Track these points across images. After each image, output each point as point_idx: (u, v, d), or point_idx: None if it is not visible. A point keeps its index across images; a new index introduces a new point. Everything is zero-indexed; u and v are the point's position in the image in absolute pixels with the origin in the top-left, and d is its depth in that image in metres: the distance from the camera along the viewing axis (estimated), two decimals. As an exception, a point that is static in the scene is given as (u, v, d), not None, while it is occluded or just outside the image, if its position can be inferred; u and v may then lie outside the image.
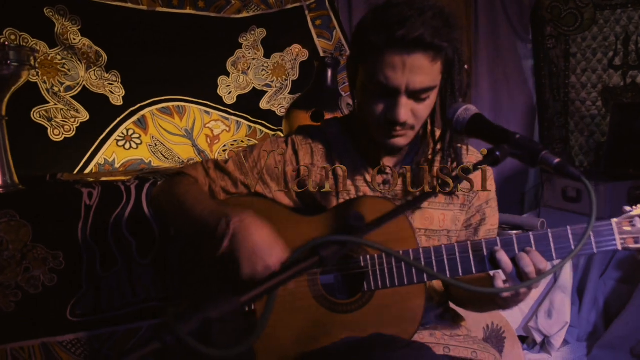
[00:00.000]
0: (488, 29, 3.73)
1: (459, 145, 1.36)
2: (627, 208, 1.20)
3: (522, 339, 2.61)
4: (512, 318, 2.51)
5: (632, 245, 1.19)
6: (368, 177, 1.38)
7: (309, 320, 1.26)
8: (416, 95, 1.21)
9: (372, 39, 1.17)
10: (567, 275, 2.56)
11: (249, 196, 1.39)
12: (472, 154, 1.44)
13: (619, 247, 1.19)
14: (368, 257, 1.26)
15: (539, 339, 2.54)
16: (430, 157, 1.38)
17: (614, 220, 1.19)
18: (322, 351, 1.22)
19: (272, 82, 3.03)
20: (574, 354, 2.56)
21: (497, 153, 0.97)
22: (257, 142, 2.85)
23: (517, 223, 2.67)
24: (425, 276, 1.24)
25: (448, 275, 1.22)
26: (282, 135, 2.84)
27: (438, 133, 1.38)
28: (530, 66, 3.87)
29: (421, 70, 1.18)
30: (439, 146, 1.36)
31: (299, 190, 1.38)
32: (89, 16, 2.52)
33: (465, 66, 1.26)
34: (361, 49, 1.22)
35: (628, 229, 1.19)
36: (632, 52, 3.46)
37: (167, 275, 1.86)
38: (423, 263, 1.22)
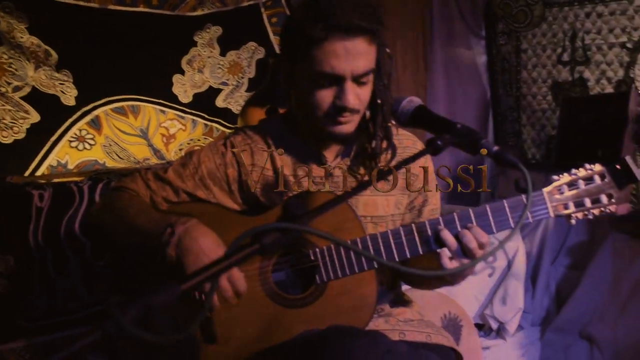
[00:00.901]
0: (443, 26, 3.80)
1: (389, 124, 1.38)
2: (555, 177, 1.26)
3: (479, 327, 2.68)
4: (468, 306, 2.58)
5: (563, 212, 1.25)
6: (310, 172, 1.39)
7: (264, 318, 1.27)
8: (359, 79, 1.24)
9: (310, 33, 1.19)
10: (520, 263, 2.64)
11: (193, 203, 1.39)
12: (407, 137, 1.47)
13: (551, 214, 1.25)
14: (317, 250, 1.28)
15: (494, 325, 2.62)
16: (367, 146, 1.39)
17: (545, 190, 1.25)
18: (280, 347, 1.24)
19: (229, 80, 3.02)
20: (528, 338, 2.65)
21: (439, 142, 1.00)
22: (213, 140, 2.84)
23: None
24: (374, 262, 1.27)
25: (397, 259, 1.25)
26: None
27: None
28: (483, 62, 3.96)
29: (362, 55, 1.22)
30: (370, 127, 1.37)
31: (242, 192, 1.39)
32: (37, 13, 2.46)
33: (387, 49, 1.30)
34: (298, 45, 1.23)
35: (557, 196, 1.25)
36: (579, 48, 3.58)
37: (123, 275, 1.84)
38: (371, 250, 1.24)
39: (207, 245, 1.15)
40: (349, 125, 1.30)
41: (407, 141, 1.45)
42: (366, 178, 1.38)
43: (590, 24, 3.51)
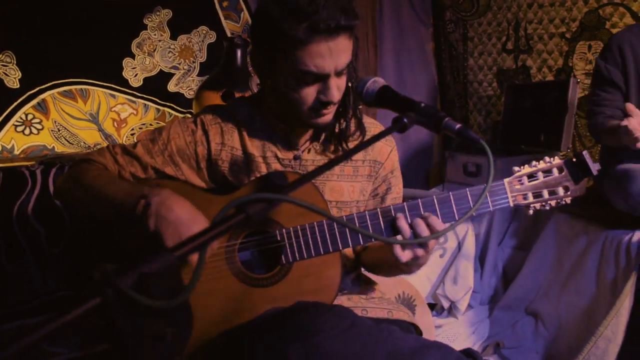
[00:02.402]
0: (392, 14, 3.86)
1: (360, 107, 1.42)
2: (516, 168, 1.33)
3: (431, 306, 2.78)
4: (421, 287, 2.66)
5: (522, 202, 1.32)
6: (279, 154, 1.41)
7: (230, 297, 1.28)
8: (340, 72, 1.26)
9: (292, 33, 1.18)
10: (470, 244, 2.74)
11: (160, 179, 1.38)
12: (373, 124, 1.50)
13: (511, 204, 1.32)
14: (284, 230, 1.30)
15: (446, 304, 2.72)
16: (338, 128, 1.42)
17: (506, 180, 1.32)
18: (247, 325, 1.25)
19: (180, 64, 2.97)
20: (478, 316, 2.76)
21: (405, 120, 1.04)
22: (165, 124, 2.79)
23: (422, 197, 2.82)
24: (340, 245, 1.29)
25: (361, 242, 1.29)
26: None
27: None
28: (431, 49, 4.05)
29: (344, 51, 1.24)
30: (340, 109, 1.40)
31: (211, 171, 1.39)
32: (-22, -7, 2.35)
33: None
34: (276, 42, 1.22)
35: (518, 187, 1.32)
36: (522, 37, 3.72)
37: (81, 262, 1.80)
38: (337, 232, 1.27)
39: (185, 215, 1.14)
40: (329, 115, 1.33)
41: (374, 128, 1.48)
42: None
43: (532, 14, 3.65)
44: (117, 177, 1.33)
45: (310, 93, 1.26)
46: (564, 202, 1.35)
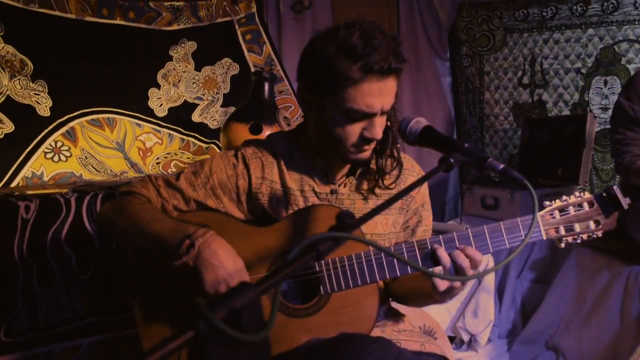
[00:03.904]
0: (409, 48, 3.93)
1: (397, 144, 1.46)
2: (547, 202, 1.36)
3: (451, 339, 2.76)
4: (441, 319, 2.65)
5: (554, 235, 1.35)
6: (316, 188, 1.44)
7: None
8: (385, 112, 1.31)
9: (346, 72, 1.23)
10: (490, 276, 2.74)
11: (202, 211, 1.41)
12: (406, 160, 1.53)
13: (544, 237, 1.34)
14: (322, 261, 1.32)
15: (466, 337, 2.70)
16: (375, 164, 1.46)
17: (539, 214, 1.34)
18: (288, 355, 1.26)
19: (204, 95, 3.03)
20: (497, 350, 2.74)
21: (451, 160, 1.07)
22: (190, 154, 2.84)
23: (443, 229, 2.84)
24: (377, 276, 1.31)
25: (398, 273, 1.31)
26: (216, 148, 2.85)
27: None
28: (448, 83, 4.12)
29: (391, 92, 1.29)
30: (377, 147, 1.43)
31: (250, 203, 1.42)
32: (13, 22, 2.43)
33: None
34: (329, 79, 1.26)
35: (550, 220, 1.35)
36: (537, 72, 3.78)
37: (110, 288, 1.82)
38: (375, 264, 1.29)
39: (225, 259, 1.17)
40: (369, 152, 1.37)
41: (407, 164, 1.52)
42: (370, 196, 1.44)
43: (548, 49, 3.71)
44: (161, 211, 1.36)
45: (355, 130, 1.30)
46: (595, 236, 1.37)
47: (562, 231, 1.35)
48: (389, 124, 1.38)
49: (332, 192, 1.44)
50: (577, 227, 1.35)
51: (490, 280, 2.73)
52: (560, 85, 3.72)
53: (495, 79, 3.96)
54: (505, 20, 3.83)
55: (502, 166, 1.09)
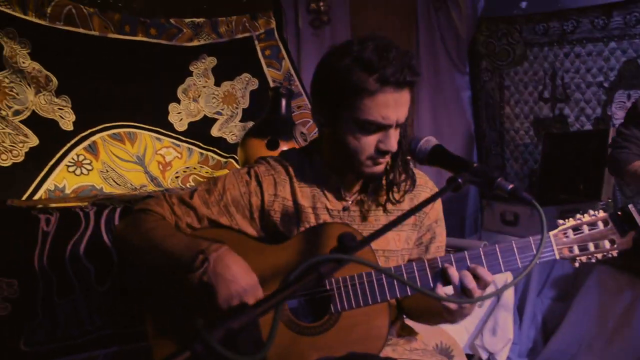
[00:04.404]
0: (429, 62, 3.94)
1: (408, 159, 1.46)
2: (560, 221, 1.34)
3: (469, 357, 2.72)
4: (459, 336, 2.62)
5: (567, 254, 1.33)
6: (328, 205, 1.44)
7: (279, 344, 1.29)
8: (399, 125, 1.32)
9: (362, 84, 1.24)
10: (509, 294, 2.70)
11: (216, 228, 1.42)
12: (419, 176, 1.53)
13: (557, 257, 1.32)
14: (333, 280, 1.32)
15: (484, 356, 2.66)
16: (384, 182, 1.45)
17: (551, 233, 1.33)
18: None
19: (223, 109, 3.07)
20: (516, 369, 2.70)
21: (459, 180, 1.06)
22: (209, 169, 2.87)
23: (460, 245, 2.81)
24: (387, 295, 1.31)
25: (409, 292, 1.30)
26: (234, 162, 2.88)
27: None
28: (468, 97, 4.10)
29: (406, 104, 1.30)
30: (389, 164, 1.43)
31: (263, 221, 1.43)
32: (39, 40, 2.49)
33: None
34: (345, 92, 1.27)
35: (563, 240, 1.33)
36: (558, 86, 3.74)
37: (126, 301, 1.85)
38: (385, 283, 1.29)
39: (239, 273, 1.18)
40: (382, 165, 1.37)
41: (420, 179, 1.51)
42: (382, 212, 1.45)
43: (569, 63, 3.68)
44: (175, 228, 1.37)
45: (370, 142, 1.31)
46: (610, 255, 1.35)
47: (576, 250, 1.33)
48: (402, 137, 1.38)
49: (344, 209, 1.44)
50: (591, 247, 1.33)
51: (509, 297, 2.69)
52: (582, 99, 3.67)
53: (516, 93, 3.93)
54: (525, 34, 3.81)
55: (511, 186, 1.09)
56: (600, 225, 1.34)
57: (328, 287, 1.32)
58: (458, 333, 2.65)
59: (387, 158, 1.36)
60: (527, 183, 3.86)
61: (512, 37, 3.87)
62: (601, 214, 1.35)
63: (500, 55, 3.95)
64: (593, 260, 1.34)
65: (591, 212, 1.36)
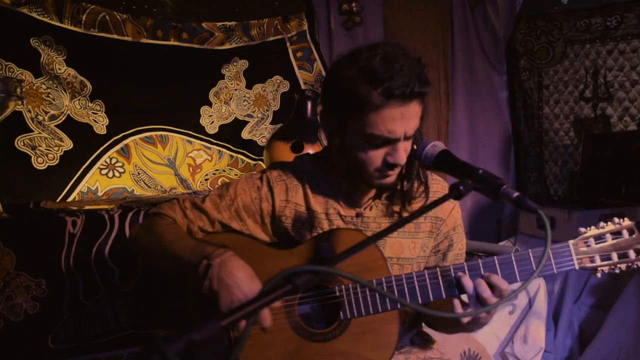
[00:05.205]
0: (465, 62, 3.85)
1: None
2: (582, 229, 1.28)
3: (499, 365, 2.65)
4: (489, 344, 2.56)
5: (588, 265, 1.27)
6: (341, 211, 1.43)
7: (289, 350, 1.30)
8: (408, 137, 1.29)
9: (367, 97, 1.21)
10: (541, 301, 2.62)
11: (226, 233, 1.43)
12: (437, 182, 1.50)
13: (576, 267, 1.27)
14: (343, 286, 1.31)
15: (515, 364, 2.59)
16: (400, 188, 1.43)
17: (571, 242, 1.28)
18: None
19: (254, 112, 3.09)
20: (550, 378, 2.62)
21: (461, 187, 1.04)
22: (238, 171, 2.90)
23: (491, 250, 2.74)
24: (397, 303, 1.29)
25: (420, 301, 1.27)
26: (263, 165, 2.90)
27: None
28: (505, 97, 3.99)
29: (415, 116, 1.26)
30: (404, 170, 1.41)
31: (274, 226, 1.43)
32: (75, 47, 2.57)
33: None
34: (350, 104, 1.25)
35: (584, 249, 1.27)
36: (601, 85, 3.60)
37: (149, 302, 1.89)
38: (396, 291, 1.27)
39: (241, 279, 1.18)
40: (393, 177, 1.35)
41: (437, 185, 1.48)
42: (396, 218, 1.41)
43: (612, 61, 3.54)
44: (185, 232, 1.39)
45: (378, 155, 1.28)
46: (635, 266, 1.28)
47: (598, 260, 1.27)
48: (415, 147, 1.35)
49: (358, 215, 1.43)
50: (615, 257, 1.27)
51: (541, 305, 2.61)
52: (626, 98, 3.53)
53: (555, 92, 3.80)
54: (566, 31, 3.69)
55: (516, 194, 1.05)
56: (625, 234, 1.28)
57: (338, 294, 1.31)
58: (488, 340, 2.59)
59: (397, 170, 1.33)
60: (567, 186, 3.74)
61: (552, 35, 3.75)
62: (626, 222, 1.29)
63: (539, 54, 3.84)
64: (617, 271, 1.28)
65: (616, 219, 1.30)
